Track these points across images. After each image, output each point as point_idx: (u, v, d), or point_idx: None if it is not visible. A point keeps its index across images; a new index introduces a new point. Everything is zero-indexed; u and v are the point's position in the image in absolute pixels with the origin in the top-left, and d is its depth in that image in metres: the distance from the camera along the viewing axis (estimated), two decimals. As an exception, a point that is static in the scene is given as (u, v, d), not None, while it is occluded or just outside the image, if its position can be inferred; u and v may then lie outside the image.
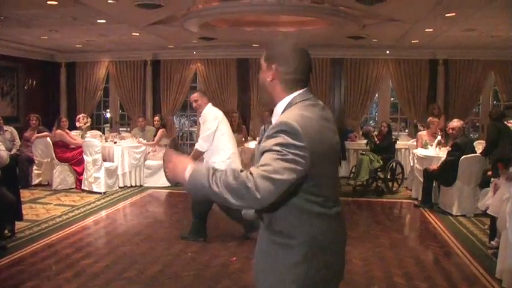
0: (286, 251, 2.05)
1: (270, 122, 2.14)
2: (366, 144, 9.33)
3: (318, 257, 2.08)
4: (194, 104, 5.95)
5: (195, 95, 5.97)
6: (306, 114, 2.01)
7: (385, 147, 9.13)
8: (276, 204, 1.90)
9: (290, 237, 2.04)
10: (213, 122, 5.78)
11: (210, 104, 5.98)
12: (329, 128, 2.12)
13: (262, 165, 1.82)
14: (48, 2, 6.61)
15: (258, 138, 9.45)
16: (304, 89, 2.13)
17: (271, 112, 2.27)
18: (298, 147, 1.86)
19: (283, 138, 1.88)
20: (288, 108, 2.09)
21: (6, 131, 9.62)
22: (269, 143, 1.90)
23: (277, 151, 1.85)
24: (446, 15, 7.15)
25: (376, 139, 9.17)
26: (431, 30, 8.48)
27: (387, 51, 11.10)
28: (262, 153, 1.90)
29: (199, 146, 5.79)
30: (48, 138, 9.39)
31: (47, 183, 9.43)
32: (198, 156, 5.82)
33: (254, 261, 2.22)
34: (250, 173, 1.80)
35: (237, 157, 6.01)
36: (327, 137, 2.08)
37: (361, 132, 9.87)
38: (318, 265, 2.08)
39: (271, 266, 2.09)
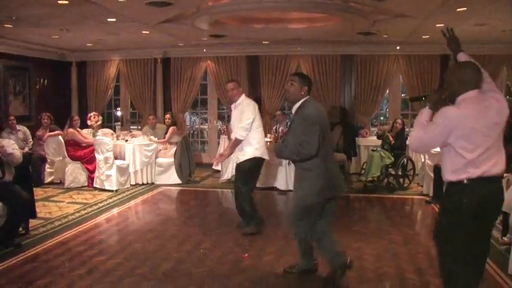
0: (306, 178, 4.41)
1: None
2: (382, 145, 9.25)
3: (319, 183, 4.36)
4: (229, 93, 6.39)
5: (231, 85, 6.38)
6: (314, 106, 4.48)
7: (399, 145, 9.09)
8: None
9: (308, 170, 4.38)
10: (252, 112, 6.15)
11: (244, 95, 6.40)
12: (324, 113, 4.52)
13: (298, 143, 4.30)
14: (59, 2, 6.64)
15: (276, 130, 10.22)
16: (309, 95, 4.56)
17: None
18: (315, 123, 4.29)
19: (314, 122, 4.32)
20: (304, 105, 4.45)
21: (19, 130, 9.73)
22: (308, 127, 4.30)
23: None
24: (457, 10, 7.09)
25: (391, 138, 9.09)
26: (442, 25, 8.38)
27: (398, 47, 11.04)
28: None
29: (239, 135, 6.07)
30: (60, 137, 9.48)
31: (59, 181, 9.52)
32: (237, 145, 6.14)
33: (294, 179, 4.64)
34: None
35: (265, 146, 6.28)
36: (325, 118, 4.49)
37: (376, 135, 9.79)
38: (318, 187, 4.35)
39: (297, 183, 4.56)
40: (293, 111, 4.59)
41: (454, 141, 3.08)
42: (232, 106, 6.49)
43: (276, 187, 8.97)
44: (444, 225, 3.25)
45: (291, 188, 8.01)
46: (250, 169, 6.15)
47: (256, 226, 6.24)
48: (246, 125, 6.04)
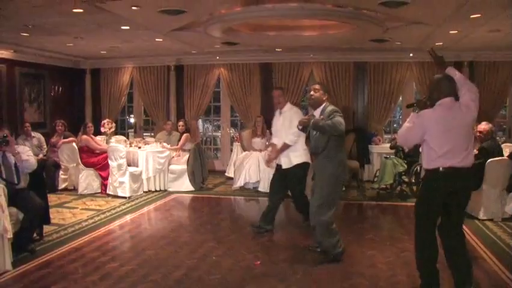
0: (330, 163, 5.18)
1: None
2: (395, 153, 9.19)
3: (341, 166, 5.26)
4: (275, 100, 6.74)
5: (278, 92, 6.78)
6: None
7: (412, 152, 9.02)
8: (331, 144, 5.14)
9: (332, 157, 5.18)
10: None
11: (289, 103, 6.81)
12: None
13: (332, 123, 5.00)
14: (74, 10, 6.72)
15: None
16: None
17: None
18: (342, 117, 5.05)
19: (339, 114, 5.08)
20: (325, 108, 5.26)
21: (33, 137, 9.84)
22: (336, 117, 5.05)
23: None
24: (471, 16, 7.05)
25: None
26: (456, 32, 8.37)
27: (411, 54, 11.00)
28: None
29: (289, 140, 6.43)
30: (74, 144, 9.55)
31: (73, 187, 9.59)
32: (285, 149, 6.51)
33: (315, 167, 5.43)
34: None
35: (307, 153, 6.53)
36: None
37: (390, 146, 9.73)
38: (340, 169, 5.24)
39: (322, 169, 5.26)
40: (317, 114, 5.36)
41: (428, 138, 4.02)
42: (277, 112, 6.83)
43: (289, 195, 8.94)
44: (419, 201, 4.33)
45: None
46: (303, 173, 6.61)
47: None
48: (297, 132, 6.29)
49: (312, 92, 5.44)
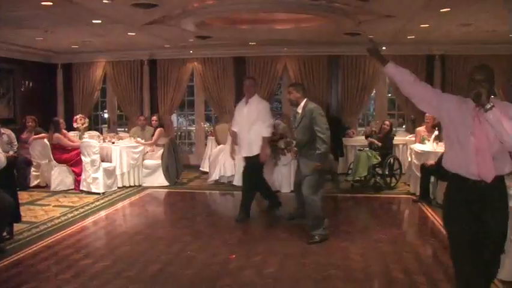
0: (314, 154, 5.80)
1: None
2: (370, 145, 9.29)
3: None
4: (245, 89, 6.98)
5: (250, 82, 7.02)
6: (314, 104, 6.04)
7: (386, 146, 9.13)
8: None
9: (316, 149, 5.78)
10: (270, 112, 7.02)
11: (257, 95, 6.99)
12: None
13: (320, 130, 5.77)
14: (43, 3, 6.58)
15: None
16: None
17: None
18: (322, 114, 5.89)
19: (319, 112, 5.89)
20: (306, 105, 5.97)
21: (3, 134, 9.60)
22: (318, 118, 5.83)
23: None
24: (441, 10, 7.14)
25: (377, 142, 9.11)
26: (427, 25, 8.47)
27: (384, 48, 11.07)
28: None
29: (267, 132, 6.78)
30: (45, 140, 9.38)
31: (45, 184, 9.42)
32: (268, 141, 6.90)
33: (299, 160, 6.13)
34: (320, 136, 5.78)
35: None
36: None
37: (364, 134, 9.82)
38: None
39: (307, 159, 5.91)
40: (299, 111, 5.99)
41: None
42: (242, 101, 7.05)
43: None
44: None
45: (277, 189, 8.08)
46: (258, 163, 6.85)
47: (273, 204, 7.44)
48: (271, 123, 6.91)
49: (287, 96, 6.14)
